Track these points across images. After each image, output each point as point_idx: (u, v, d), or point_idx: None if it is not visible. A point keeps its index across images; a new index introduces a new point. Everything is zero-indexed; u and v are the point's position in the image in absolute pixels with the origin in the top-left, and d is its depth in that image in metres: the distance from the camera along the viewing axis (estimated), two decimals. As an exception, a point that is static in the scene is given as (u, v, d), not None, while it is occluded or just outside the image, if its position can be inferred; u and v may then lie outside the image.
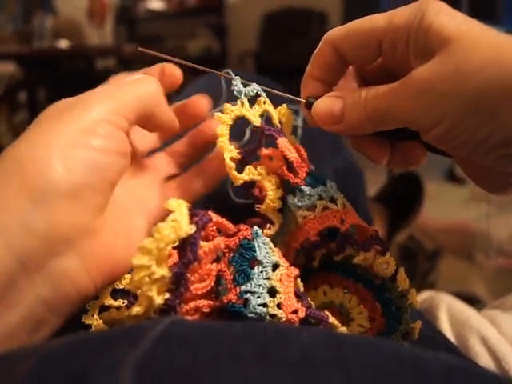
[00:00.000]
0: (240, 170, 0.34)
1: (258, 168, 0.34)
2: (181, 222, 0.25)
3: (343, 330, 0.31)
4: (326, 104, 0.32)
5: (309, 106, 0.33)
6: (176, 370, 0.19)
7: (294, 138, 0.37)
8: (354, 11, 3.53)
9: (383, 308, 0.33)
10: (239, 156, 0.34)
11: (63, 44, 2.77)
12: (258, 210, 0.35)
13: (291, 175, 0.34)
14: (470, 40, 0.26)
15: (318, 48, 0.33)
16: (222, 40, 4.35)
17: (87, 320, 0.29)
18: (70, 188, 0.26)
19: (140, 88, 0.31)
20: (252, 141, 0.37)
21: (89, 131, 0.27)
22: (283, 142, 0.33)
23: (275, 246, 0.32)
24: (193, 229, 0.26)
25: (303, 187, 0.33)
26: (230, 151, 0.33)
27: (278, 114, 0.35)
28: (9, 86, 3.10)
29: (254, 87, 0.34)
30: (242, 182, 0.33)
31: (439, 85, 0.26)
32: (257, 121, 0.34)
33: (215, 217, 0.29)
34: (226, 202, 0.39)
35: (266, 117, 0.35)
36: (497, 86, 0.25)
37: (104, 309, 0.30)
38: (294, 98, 0.35)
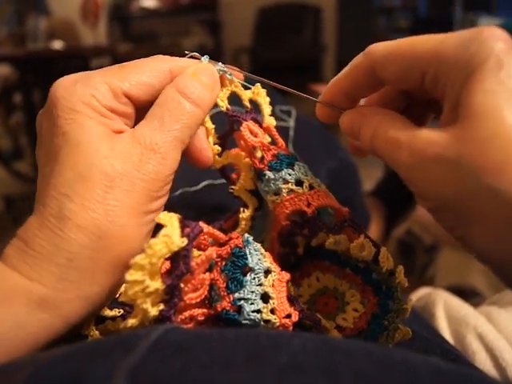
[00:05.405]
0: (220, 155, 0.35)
1: (234, 151, 0.35)
2: (172, 237, 0.25)
3: (334, 332, 0.32)
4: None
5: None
6: (168, 378, 0.19)
7: (271, 115, 0.36)
8: (348, 6, 3.53)
9: (374, 289, 0.33)
10: (218, 141, 0.34)
11: (57, 45, 2.76)
12: (231, 191, 0.35)
13: (256, 161, 0.33)
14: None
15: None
16: (216, 37, 4.34)
17: (84, 331, 0.29)
18: None
19: None
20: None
21: None
22: (246, 128, 0.33)
23: (263, 245, 0.32)
24: (184, 241, 0.26)
25: (266, 172, 0.33)
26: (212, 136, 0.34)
27: (252, 94, 0.35)
28: (4, 89, 3.09)
29: (221, 67, 0.33)
30: (220, 165, 0.35)
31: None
32: (223, 105, 0.33)
33: (206, 227, 0.29)
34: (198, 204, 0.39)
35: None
36: None
37: (100, 319, 0.30)
38: (307, 96, 0.34)
